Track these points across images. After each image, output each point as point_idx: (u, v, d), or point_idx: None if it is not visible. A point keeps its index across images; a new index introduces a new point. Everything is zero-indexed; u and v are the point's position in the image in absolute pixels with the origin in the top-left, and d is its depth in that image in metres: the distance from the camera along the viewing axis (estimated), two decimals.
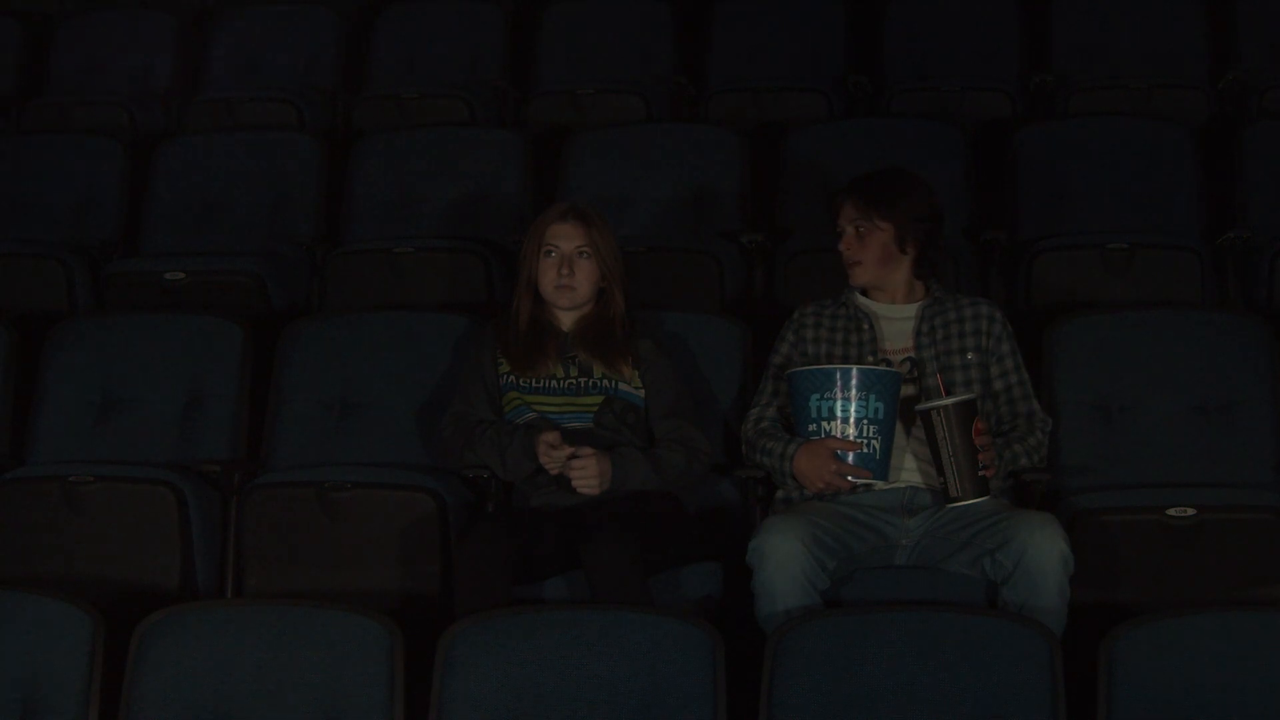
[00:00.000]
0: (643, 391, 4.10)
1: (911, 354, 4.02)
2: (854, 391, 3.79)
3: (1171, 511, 3.94)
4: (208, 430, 4.57)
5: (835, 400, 3.80)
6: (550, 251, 4.13)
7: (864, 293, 4.12)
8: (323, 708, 3.45)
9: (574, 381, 4.09)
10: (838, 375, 3.81)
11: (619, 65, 6.51)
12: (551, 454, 3.93)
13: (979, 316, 4.06)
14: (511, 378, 4.11)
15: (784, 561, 3.67)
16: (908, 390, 3.94)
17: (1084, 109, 5.97)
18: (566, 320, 4.16)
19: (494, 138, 5.81)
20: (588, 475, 3.93)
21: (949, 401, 3.76)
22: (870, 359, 4.00)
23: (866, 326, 4.05)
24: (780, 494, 4.00)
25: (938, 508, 3.86)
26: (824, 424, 3.81)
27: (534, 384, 4.09)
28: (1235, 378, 4.35)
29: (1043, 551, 3.65)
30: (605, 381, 4.08)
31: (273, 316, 5.01)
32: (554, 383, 4.09)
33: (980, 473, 3.76)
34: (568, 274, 4.11)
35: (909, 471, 3.93)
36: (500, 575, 3.73)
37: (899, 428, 3.89)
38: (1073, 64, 6.33)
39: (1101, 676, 3.35)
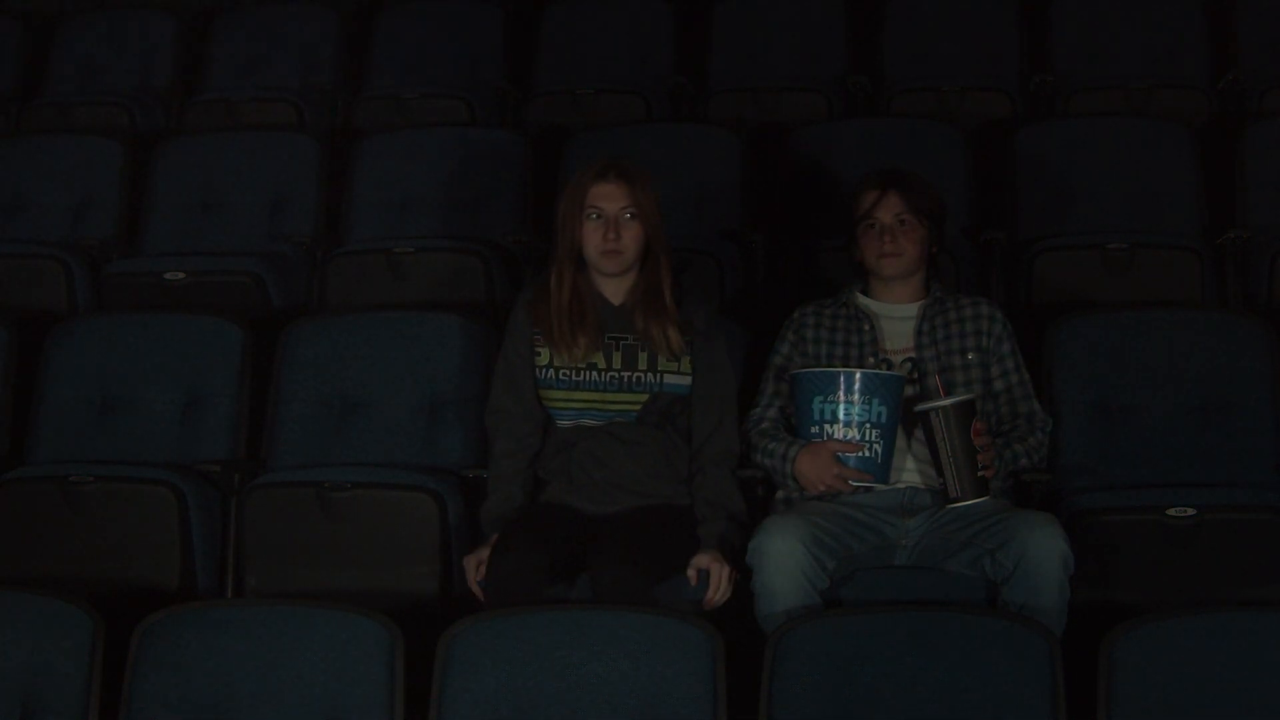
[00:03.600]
0: (689, 378, 3.94)
1: (912, 354, 4.02)
2: (857, 395, 3.79)
3: (1171, 511, 3.94)
4: (208, 430, 4.57)
5: (838, 403, 3.80)
6: (594, 214, 3.92)
7: (865, 291, 4.12)
8: (323, 708, 3.45)
9: (616, 375, 3.93)
10: (841, 378, 3.81)
11: (619, 65, 6.51)
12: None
13: (979, 316, 4.06)
14: (551, 372, 3.95)
15: (784, 561, 3.67)
16: (908, 391, 3.94)
17: (1084, 109, 5.98)
18: (614, 291, 3.98)
19: (494, 138, 5.81)
20: (722, 591, 3.79)
21: (948, 402, 3.76)
22: (871, 359, 4.00)
23: (867, 327, 4.05)
24: (780, 494, 4.00)
25: (938, 508, 3.86)
26: (826, 426, 3.81)
27: (574, 377, 3.93)
28: (1235, 378, 4.34)
29: (1043, 551, 3.65)
30: (650, 376, 3.93)
31: (273, 316, 5.01)
32: (594, 374, 3.93)
33: (980, 473, 3.76)
34: (614, 238, 3.90)
35: (909, 472, 3.93)
36: (531, 592, 3.67)
37: (899, 429, 3.88)
38: (1073, 64, 6.33)
39: (1101, 676, 3.35)
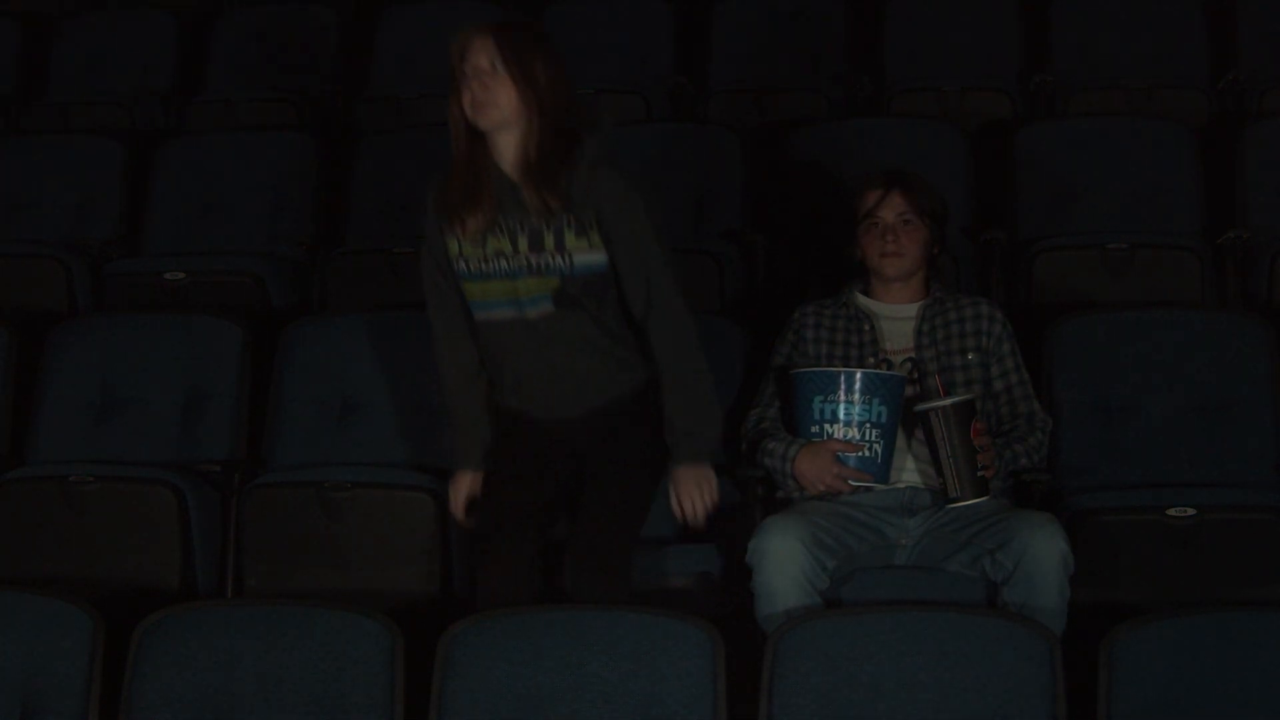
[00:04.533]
0: (603, 253, 3.70)
1: (912, 354, 4.02)
2: (857, 395, 3.79)
3: (1171, 511, 3.94)
4: (208, 430, 4.57)
5: (838, 403, 3.79)
6: (465, 76, 3.68)
7: (865, 291, 4.12)
8: (323, 708, 3.45)
9: (525, 260, 3.68)
10: (841, 378, 3.81)
11: (619, 65, 6.50)
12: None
13: (979, 317, 4.06)
14: (463, 263, 3.75)
15: (784, 561, 3.67)
16: (908, 391, 3.94)
17: (1084, 109, 5.97)
18: (506, 153, 3.70)
19: None
20: (699, 506, 3.73)
21: (947, 402, 3.76)
22: (871, 360, 4.00)
23: (867, 327, 4.05)
24: (780, 494, 4.00)
25: (938, 508, 3.86)
26: (826, 426, 3.81)
27: (485, 267, 3.71)
28: (1235, 378, 4.35)
29: (1043, 551, 3.65)
30: (559, 258, 3.67)
31: (273, 316, 5.01)
32: (504, 262, 3.70)
33: (979, 473, 3.76)
34: (480, 89, 3.64)
35: (909, 472, 3.93)
36: (525, 588, 3.67)
37: (899, 429, 3.88)
38: (1073, 64, 6.32)
39: (1101, 676, 3.35)
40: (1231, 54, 6.29)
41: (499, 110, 3.66)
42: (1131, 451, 4.29)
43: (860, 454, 3.79)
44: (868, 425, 3.79)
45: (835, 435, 3.80)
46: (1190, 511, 3.93)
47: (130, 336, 4.74)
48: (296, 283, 5.34)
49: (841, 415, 3.80)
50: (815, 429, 3.83)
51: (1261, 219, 5.30)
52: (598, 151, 3.70)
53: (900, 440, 3.88)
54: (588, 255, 3.71)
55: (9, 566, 4.26)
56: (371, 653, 3.46)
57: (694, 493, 3.74)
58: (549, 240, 3.70)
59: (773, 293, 5.13)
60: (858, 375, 3.81)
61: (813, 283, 4.87)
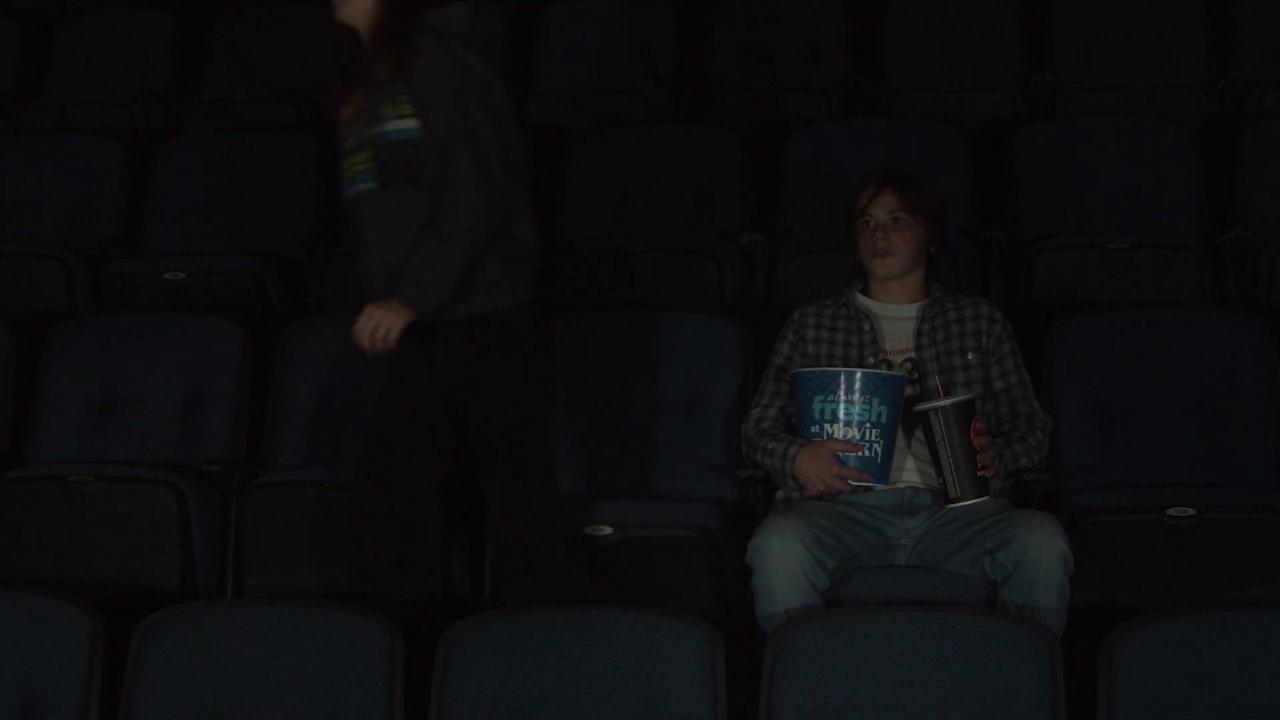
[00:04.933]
0: (411, 120, 3.64)
1: (912, 355, 4.02)
2: (857, 395, 3.79)
3: (1171, 511, 3.94)
4: (208, 430, 4.57)
5: (839, 403, 3.79)
6: None
7: (865, 292, 4.12)
8: (323, 708, 3.45)
9: (360, 136, 3.71)
10: (841, 378, 3.81)
11: (619, 65, 6.50)
12: None
13: (979, 317, 4.06)
14: (338, 148, 3.79)
15: (784, 561, 3.67)
16: (908, 391, 3.94)
17: (1084, 109, 5.98)
18: (365, 42, 3.78)
19: None
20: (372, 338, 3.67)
21: (947, 402, 3.76)
22: (870, 360, 4.00)
23: (867, 328, 4.05)
24: (780, 494, 4.00)
25: (938, 508, 3.86)
26: (826, 426, 3.81)
27: (342, 146, 3.74)
28: (1235, 378, 4.35)
29: (1043, 551, 3.65)
30: (373, 128, 3.67)
31: (273, 316, 5.01)
32: (350, 140, 3.74)
33: (979, 473, 3.76)
34: None
35: (909, 472, 3.93)
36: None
37: (899, 429, 3.88)
38: (1073, 64, 6.33)
39: (1101, 676, 3.35)
40: (1231, 54, 6.30)
41: (348, 6, 3.78)
42: (1131, 451, 4.29)
43: (860, 454, 3.79)
44: (868, 425, 3.79)
45: (835, 435, 3.80)
46: (1190, 511, 3.93)
47: (130, 336, 4.74)
48: (296, 283, 5.34)
49: (841, 415, 3.79)
50: (815, 429, 3.83)
51: (1261, 219, 5.31)
52: (431, 23, 3.70)
53: (900, 440, 3.88)
54: (394, 123, 3.66)
55: (9, 566, 4.26)
56: (371, 653, 3.46)
57: (370, 323, 3.71)
58: (374, 113, 3.71)
59: (772, 293, 5.13)
60: (858, 375, 3.81)
61: (812, 283, 4.86)
